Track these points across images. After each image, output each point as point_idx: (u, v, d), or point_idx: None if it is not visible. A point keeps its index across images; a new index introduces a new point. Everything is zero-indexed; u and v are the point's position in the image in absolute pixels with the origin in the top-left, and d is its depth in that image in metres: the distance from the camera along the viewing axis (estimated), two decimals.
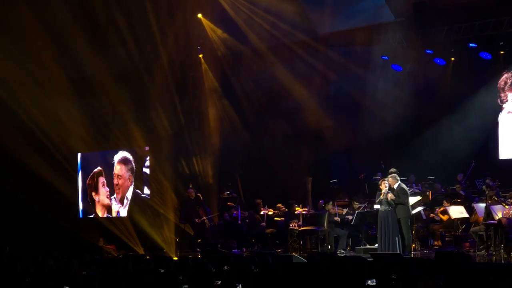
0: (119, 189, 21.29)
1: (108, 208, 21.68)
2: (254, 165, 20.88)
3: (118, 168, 21.39)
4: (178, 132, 20.91)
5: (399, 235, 15.02)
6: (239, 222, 18.61)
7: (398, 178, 15.36)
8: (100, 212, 21.88)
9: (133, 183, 21.03)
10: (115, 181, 21.35)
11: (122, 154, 21.31)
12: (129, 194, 21.01)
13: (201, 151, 21.30)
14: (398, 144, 19.89)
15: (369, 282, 9.91)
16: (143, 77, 20.41)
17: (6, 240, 18.61)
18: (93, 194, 22.08)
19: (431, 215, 17.17)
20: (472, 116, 19.51)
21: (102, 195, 21.86)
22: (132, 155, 21.29)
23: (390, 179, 15.29)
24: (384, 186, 15.20)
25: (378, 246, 15.29)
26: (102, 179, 21.93)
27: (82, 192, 22.34)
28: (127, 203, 21.06)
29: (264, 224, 18.30)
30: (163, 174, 20.37)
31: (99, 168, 22.07)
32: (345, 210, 17.44)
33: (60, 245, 18.13)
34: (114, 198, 21.34)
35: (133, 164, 21.11)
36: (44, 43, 18.83)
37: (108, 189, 21.73)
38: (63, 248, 17.64)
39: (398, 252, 14.28)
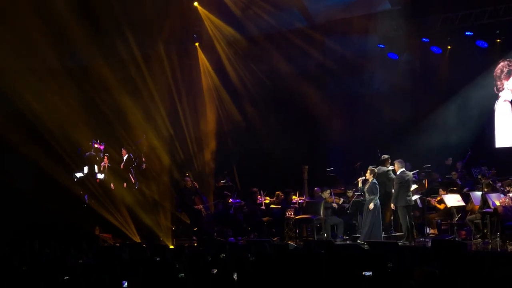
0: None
1: None
2: (251, 154, 20.88)
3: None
4: (175, 120, 20.88)
5: (376, 223, 15.12)
6: (231, 212, 18.58)
7: (403, 165, 15.36)
8: None
9: None
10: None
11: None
12: None
13: (198, 139, 21.29)
14: (395, 132, 19.88)
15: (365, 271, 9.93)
16: (140, 65, 20.35)
17: (4, 233, 18.53)
18: None
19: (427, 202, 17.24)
20: (469, 105, 19.54)
21: None
22: (129, 143, 21.22)
23: (396, 164, 15.35)
24: (367, 175, 15.37)
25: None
26: None
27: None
28: None
29: (263, 207, 18.33)
30: (159, 162, 20.34)
31: None
32: (341, 199, 17.48)
33: (57, 233, 18.07)
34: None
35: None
36: (41, 32, 18.73)
37: None
38: (60, 236, 17.58)
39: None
